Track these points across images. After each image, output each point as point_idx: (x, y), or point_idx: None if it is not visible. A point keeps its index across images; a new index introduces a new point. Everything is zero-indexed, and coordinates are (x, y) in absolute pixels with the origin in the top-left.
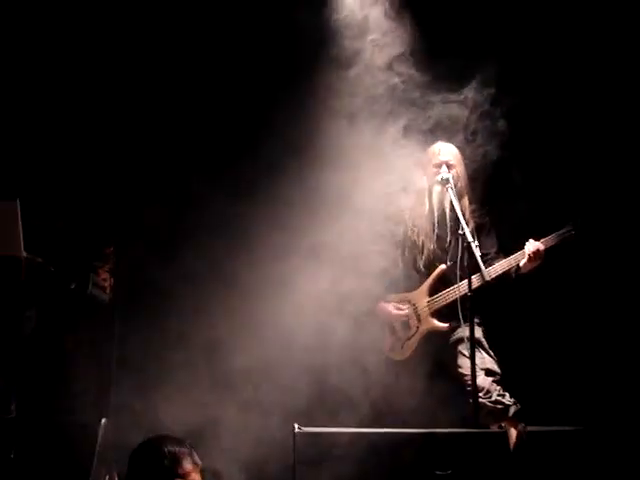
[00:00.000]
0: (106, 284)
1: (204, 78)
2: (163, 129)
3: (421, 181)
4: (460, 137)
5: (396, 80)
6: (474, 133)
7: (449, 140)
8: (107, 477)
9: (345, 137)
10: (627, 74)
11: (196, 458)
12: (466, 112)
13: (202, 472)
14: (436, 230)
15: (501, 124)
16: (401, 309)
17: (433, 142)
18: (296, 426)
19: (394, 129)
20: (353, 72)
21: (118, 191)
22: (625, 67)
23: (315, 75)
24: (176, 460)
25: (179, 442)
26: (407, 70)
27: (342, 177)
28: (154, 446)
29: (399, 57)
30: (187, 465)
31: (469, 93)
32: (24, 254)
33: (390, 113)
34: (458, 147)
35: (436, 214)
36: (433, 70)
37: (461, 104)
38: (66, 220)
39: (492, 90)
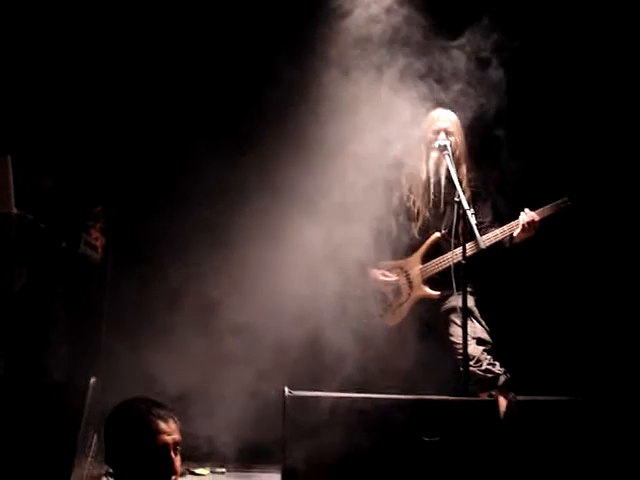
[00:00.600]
0: (97, 243)
1: (194, 32)
2: (153, 85)
3: (418, 144)
4: (458, 87)
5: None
6: (472, 85)
7: (447, 89)
8: (95, 437)
9: (342, 87)
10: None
11: (175, 419)
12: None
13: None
14: (430, 196)
15: (500, 82)
16: (389, 276)
17: (433, 103)
18: (286, 389)
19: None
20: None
21: (110, 150)
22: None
23: (312, 25)
24: (161, 420)
25: (157, 403)
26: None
27: (338, 127)
28: (134, 405)
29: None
30: (172, 425)
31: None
32: (15, 210)
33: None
34: (457, 104)
35: (432, 180)
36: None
37: (460, 53)
38: (58, 178)
39: (492, 44)
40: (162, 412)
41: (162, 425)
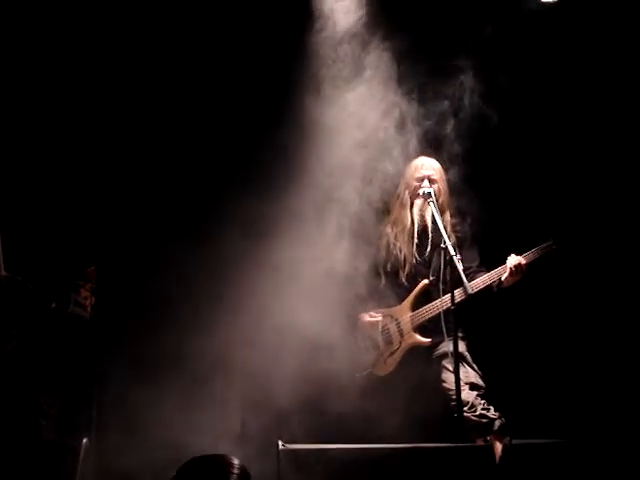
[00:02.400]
0: (87, 302)
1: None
2: (143, 144)
3: (402, 192)
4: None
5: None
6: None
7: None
8: None
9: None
10: (602, 92)
11: None
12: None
13: None
14: (415, 243)
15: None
16: (374, 316)
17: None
18: (280, 442)
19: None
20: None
21: (100, 209)
22: (600, 85)
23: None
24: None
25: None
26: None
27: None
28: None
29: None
30: None
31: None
32: (4, 273)
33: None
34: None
35: (416, 228)
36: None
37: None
38: (46, 238)
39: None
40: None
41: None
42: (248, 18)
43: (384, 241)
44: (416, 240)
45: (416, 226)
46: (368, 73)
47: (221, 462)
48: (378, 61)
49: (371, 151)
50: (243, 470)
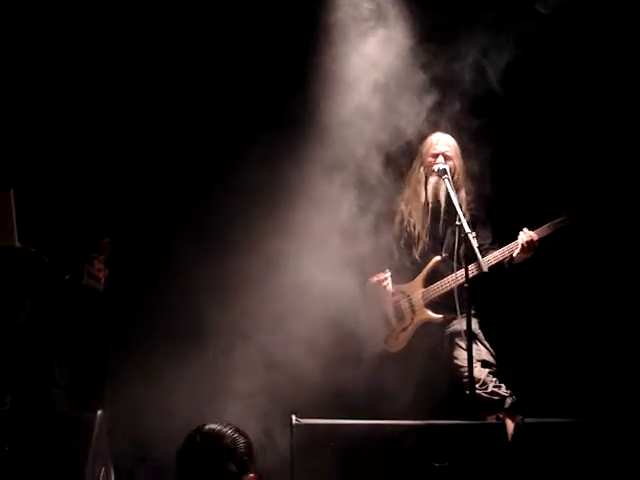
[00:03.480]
0: (101, 274)
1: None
2: (158, 119)
3: (417, 168)
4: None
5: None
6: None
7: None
8: (103, 470)
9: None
10: (626, 63)
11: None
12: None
13: None
14: (429, 220)
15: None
16: (380, 276)
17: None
18: (294, 418)
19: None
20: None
21: (114, 180)
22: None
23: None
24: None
25: (221, 423)
26: None
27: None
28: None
29: None
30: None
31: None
32: (18, 244)
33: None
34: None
35: (430, 205)
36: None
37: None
38: (60, 209)
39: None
40: (213, 428)
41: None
42: None
43: (398, 217)
44: (429, 217)
45: (430, 203)
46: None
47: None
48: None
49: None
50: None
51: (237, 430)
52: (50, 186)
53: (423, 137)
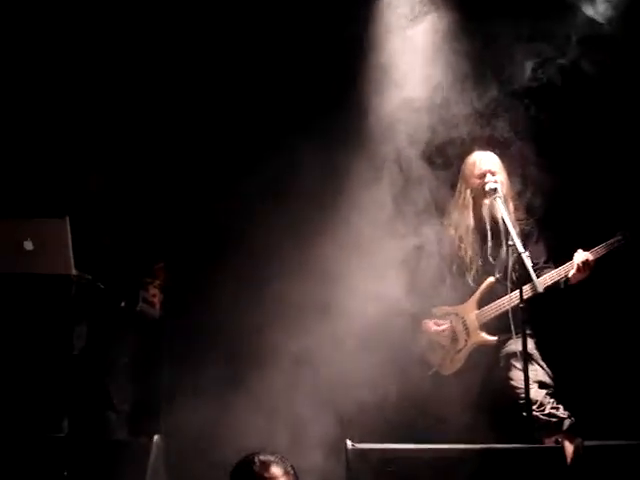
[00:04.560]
0: (155, 300)
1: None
2: (206, 144)
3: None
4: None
5: None
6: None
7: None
8: None
9: None
10: None
11: (288, 467)
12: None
13: None
14: (490, 244)
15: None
16: (441, 324)
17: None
18: (349, 442)
19: None
20: None
21: (167, 206)
22: None
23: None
24: (265, 466)
25: (271, 453)
26: None
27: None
28: (247, 457)
29: None
30: (276, 470)
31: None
32: (74, 272)
33: None
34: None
35: (488, 226)
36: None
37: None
38: (115, 236)
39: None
40: (265, 457)
41: (261, 470)
42: None
43: (447, 242)
44: (489, 241)
45: (488, 225)
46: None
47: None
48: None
49: None
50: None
51: (285, 460)
52: (105, 212)
53: (462, 157)
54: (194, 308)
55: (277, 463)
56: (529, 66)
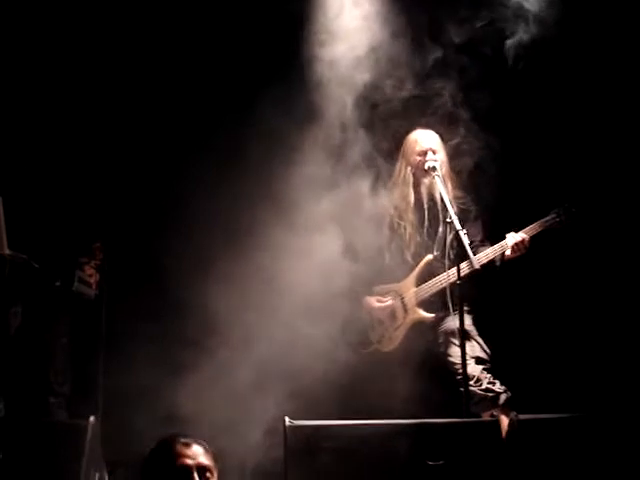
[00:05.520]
0: (92, 280)
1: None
2: (147, 121)
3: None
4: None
5: None
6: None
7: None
8: (97, 476)
9: None
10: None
11: (206, 445)
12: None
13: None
14: (419, 221)
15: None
16: (383, 301)
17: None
18: (287, 419)
19: None
20: None
21: (103, 185)
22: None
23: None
24: (186, 445)
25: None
26: None
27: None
28: (164, 439)
29: None
30: (196, 449)
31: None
32: (8, 251)
33: None
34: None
35: (426, 205)
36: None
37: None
38: (50, 215)
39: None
40: (185, 439)
41: (182, 449)
42: None
43: (387, 220)
44: (426, 218)
45: (426, 203)
46: None
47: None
48: None
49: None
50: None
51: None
52: (39, 192)
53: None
54: (132, 287)
55: (198, 443)
56: (474, 31)
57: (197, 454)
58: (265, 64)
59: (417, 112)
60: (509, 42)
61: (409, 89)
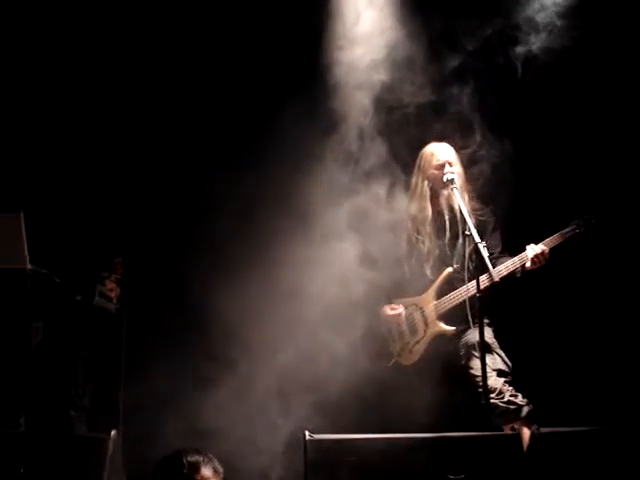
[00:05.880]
0: (113, 294)
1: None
2: (169, 135)
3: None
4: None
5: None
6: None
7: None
8: None
9: None
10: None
11: (217, 465)
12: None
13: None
14: (438, 235)
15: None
16: (395, 308)
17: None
18: (307, 433)
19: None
20: None
21: (125, 199)
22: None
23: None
24: (195, 468)
25: (198, 452)
26: None
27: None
28: (174, 457)
29: None
30: (206, 471)
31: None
32: (29, 266)
33: None
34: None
35: (447, 217)
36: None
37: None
38: (71, 230)
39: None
40: (194, 459)
41: (205, 472)
42: None
43: (405, 235)
44: (447, 231)
45: (446, 216)
46: None
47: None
48: None
49: None
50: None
51: (211, 457)
52: (60, 207)
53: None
54: (153, 302)
55: (206, 463)
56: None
57: (207, 476)
58: (285, 75)
59: (432, 118)
60: (522, 49)
61: (425, 94)
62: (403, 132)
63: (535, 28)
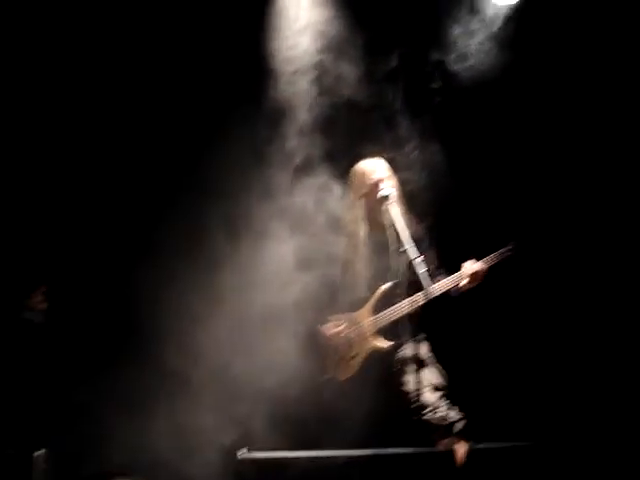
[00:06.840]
0: (40, 307)
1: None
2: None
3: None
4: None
5: None
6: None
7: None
8: None
9: None
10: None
11: None
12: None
13: None
14: (389, 249)
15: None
16: (339, 330)
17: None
18: (239, 451)
19: None
20: None
21: (54, 207)
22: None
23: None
24: None
25: (124, 473)
26: None
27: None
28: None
29: None
30: None
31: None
32: None
33: None
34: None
35: (387, 233)
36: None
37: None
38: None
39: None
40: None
41: None
42: None
43: (341, 254)
44: (376, 248)
45: (387, 232)
46: None
47: None
48: None
49: None
50: None
51: None
52: None
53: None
54: (88, 313)
55: None
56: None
57: None
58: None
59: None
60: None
61: (362, 91)
62: (339, 128)
63: (470, 34)
